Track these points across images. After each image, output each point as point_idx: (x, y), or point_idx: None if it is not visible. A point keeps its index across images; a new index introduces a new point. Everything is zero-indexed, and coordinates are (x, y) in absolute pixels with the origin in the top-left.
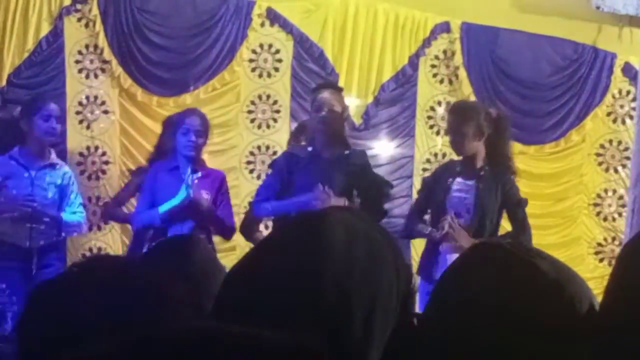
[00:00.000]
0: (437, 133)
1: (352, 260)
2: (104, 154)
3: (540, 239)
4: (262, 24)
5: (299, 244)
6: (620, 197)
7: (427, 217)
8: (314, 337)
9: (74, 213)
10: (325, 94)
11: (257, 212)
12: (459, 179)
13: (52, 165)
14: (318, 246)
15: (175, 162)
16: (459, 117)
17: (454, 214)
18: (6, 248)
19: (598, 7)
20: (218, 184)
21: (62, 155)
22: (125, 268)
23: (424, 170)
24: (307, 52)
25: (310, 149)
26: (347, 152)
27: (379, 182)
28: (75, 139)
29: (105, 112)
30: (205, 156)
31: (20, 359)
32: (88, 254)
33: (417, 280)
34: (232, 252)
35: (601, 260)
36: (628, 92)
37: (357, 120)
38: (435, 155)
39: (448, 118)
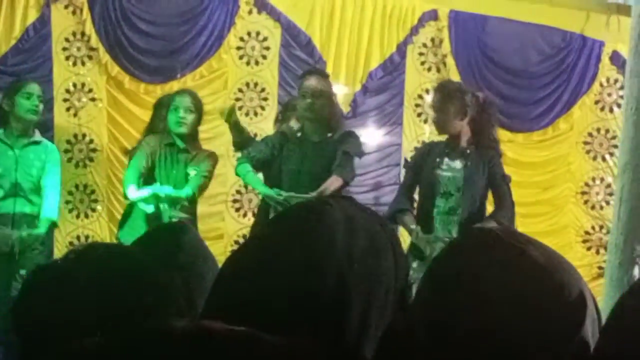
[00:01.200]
0: (425, 121)
1: (352, 251)
2: (91, 141)
3: (528, 227)
4: (250, 12)
5: (300, 235)
6: (608, 186)
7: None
8: (309, 336)
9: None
10: (312, 81)
11: (238, 170)
12: (446, 159)
13: (36, 142)
14: (320, 238)
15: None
16: (443, 95)
17: (444, 193)
18: None
19: None
20: None
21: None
22: (121, 256)
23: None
24: (294, 40)
25: (299, 134)
26: (329, 134)
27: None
28: (63, 126)
29: (93, 99)
30: None
31: (18, 342)
32: (75, 241)
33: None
34: (219, 239)
35: (589, 248)
36: (616, 81)
37: (345, 109)
38: (423, 143)
39: (433, 97)
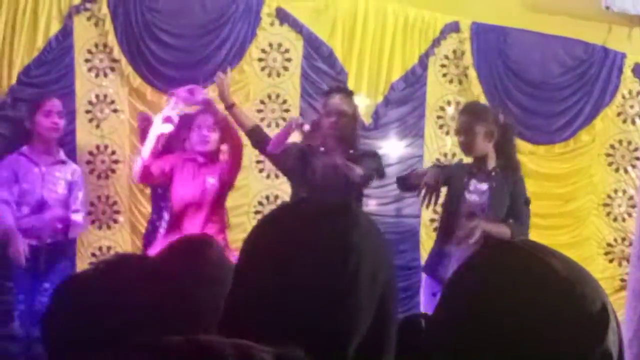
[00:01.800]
0: (447, 133)
1: (374, 246)
2: (113, 152)
3: (550, 240)
4: (272, 24)
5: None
6: (630, 198)
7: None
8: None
9: (76, 212)
10: (336, 99)
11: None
12: (473, 181)
13: (62, 162)
14: (354, 233)
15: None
16: (471, 117)
17: (469, 214)
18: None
19: (608, 8)
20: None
21: (72, 154)
22: (149, 268)
23: None
24: (316, 52)
25: (322, 149)
26: (351, 151)
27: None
28: (85, 137)
29: (115, 110)
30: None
31: (46, 352)
32: (98, 253)
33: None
34: None
35: (611, 260)
36: (638, 93)
37: (367, 120)
38: (445, 155)
39: (459, 118)
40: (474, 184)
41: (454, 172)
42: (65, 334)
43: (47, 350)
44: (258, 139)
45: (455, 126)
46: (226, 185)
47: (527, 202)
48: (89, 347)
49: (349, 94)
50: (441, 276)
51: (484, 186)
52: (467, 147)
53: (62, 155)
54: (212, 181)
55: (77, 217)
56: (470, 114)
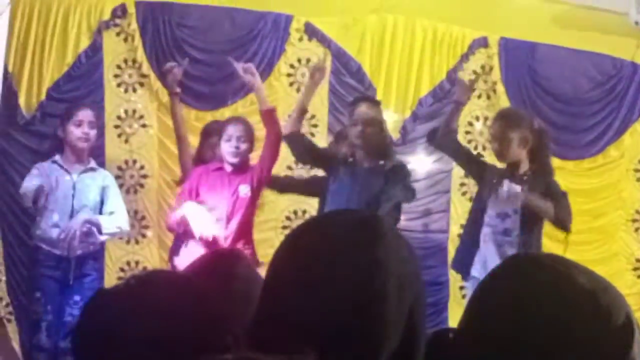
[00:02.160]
0: (475, 148)
1: (402, 262)
2: (142, 167)
3: (579, 255)
4: (300, 39)
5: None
6: None
7: None
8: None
9: (111, 213)
10: (363, 108)
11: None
12: (506, 181)
13: (93, 169)
14: (381, 249)
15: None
16: (505, 124)
17: (501, 213)
18: (45, 255)
19: (637, 23)
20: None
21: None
22: (179, 283)
23: (462, 185)
24: (345, 67)
25: (350, 159)
26: (381, 162)
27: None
28: (114, 152)
29: (144, 125)
30: None
31: None
32: (126, 267)
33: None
34: None
35: (639, 276)
36: None
37: (395, 135)
38: None
39: (493, 125)
40: (507, 183)
41: (487, 168)
42: (96, 349)
43: None
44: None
45: (489, 132)
46: (261, 184)
47: (565, 195)
48: None
49: (376, 104)
50: (470, 273)
51: (517, 187)
52: (501, 153)
53: (92, 163)
54: (245, 190)
55: (112, 220)
56: (504, 120)
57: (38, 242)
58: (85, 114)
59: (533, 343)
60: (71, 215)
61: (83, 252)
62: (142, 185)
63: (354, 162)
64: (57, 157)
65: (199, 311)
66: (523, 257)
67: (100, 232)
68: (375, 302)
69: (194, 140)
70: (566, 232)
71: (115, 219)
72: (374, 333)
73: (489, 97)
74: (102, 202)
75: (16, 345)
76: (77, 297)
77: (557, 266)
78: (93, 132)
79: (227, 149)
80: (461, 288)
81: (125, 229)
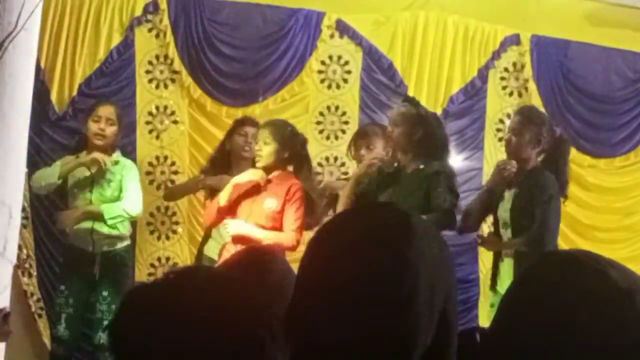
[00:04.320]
0: None
1: (433, 260)
2: (173, 164)
3: (609, 253)
4: (332, 36)
5: (388, 244)
6: None
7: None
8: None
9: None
10: (396, 109)
11: None
12: (508, 190)
13: (116, 162)
14: (411, 247)
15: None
16: (523, 119)
17: (504, 223)
18: (74, 253)
19: None
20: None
21: None
22: (217, 278)
23: None
24: (376, 64)
25: (396, 164)
26: (421, 165)
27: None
28: (145, 148)
29: (175, 122)
30: None
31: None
32: (156, 263)
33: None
34: (295, 264)
35: None
36: None
37: None
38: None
39: (513, 117)
40: (508, 192)
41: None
42: (134, 343)
43: (115, 358)
44: None
45: (508, 125)
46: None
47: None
48: (157, 357)
49: (414, 104)
50: (496, 287)
51: (514, 191)
52: (511, 147)
53: (115, 156)
54: (270, 205)
55: (117, 206)
56: (523, 116)
57: (67, 236)
58: (105, 110)
59: (564, 343)
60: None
61: (109, 249)
62: (172, 182)
63: (398, 167)
64: (82, 154)
65: (237, 304)
66: (556, 255)
67: (104, 222)
68: (406, 302)
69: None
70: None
71: (121, 203)
72: (405, 333)
73: (520, 95)
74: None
75: (47, 340)
76: (105, 293)
77: (591, 263)
78: (111, 129)
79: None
80: (491, 288)
81: (133, 212)
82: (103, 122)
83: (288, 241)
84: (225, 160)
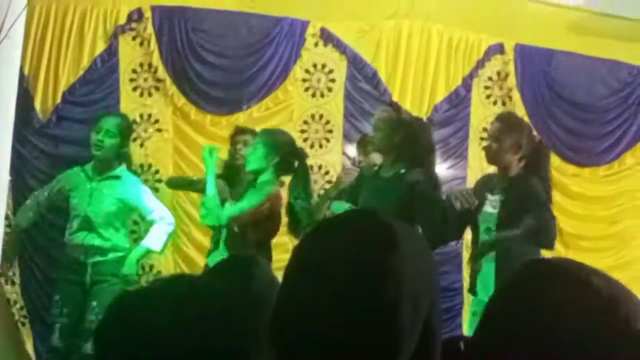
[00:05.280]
0: None
1: (416, 267)
2: (157, 172)
3: (594, 262)
4: (316, 44)
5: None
6: None
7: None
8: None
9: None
10: (378, 114)
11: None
12: (490, 195)
13: (115, 177)
14: (393, 255)
15: None
16: (502, 126)
17: (486, 229)
18: (67, 260)
19: None
20: None
21: None
22: (205, 288)
23: None
24: (360, 73)
25: (375, 168)
26: (402, 170)
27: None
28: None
29: (159, 130)
30: None
31: None
32: (140, 271)
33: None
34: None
35: None
36: None
37: None
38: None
39: (492, 124)
40: (490, 198)
41: (480, 186)
42: (119, 350)
43: None
44: None
45: (487, 132)
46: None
47: (546, 207)
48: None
49: (397, 109)
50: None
51: (498, 197)
52: (491, 154)
53: (118, 171)
54: None
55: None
56: (502, 122)
57: (64, 245)
58: (104, 122)
59: (549, 350)
60: (88, 222)
61: (101, 259)
62: (157, 190)
63: (377, 171)
64: (87, 165)
65: (221, 312)
66: (539, 262)
67: (97, 233)
68: (389, 310)
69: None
70: (550, 249)
71: (142, 246)
72: (388, 341)
73: (504, 104)
74: (120, 212)
75: (30, 349)
76: (94, 303)
77: (575, 271)
78: (110, 141)
79: None
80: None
81: (156, 248)
82: (103, 133)
83: None
84: None
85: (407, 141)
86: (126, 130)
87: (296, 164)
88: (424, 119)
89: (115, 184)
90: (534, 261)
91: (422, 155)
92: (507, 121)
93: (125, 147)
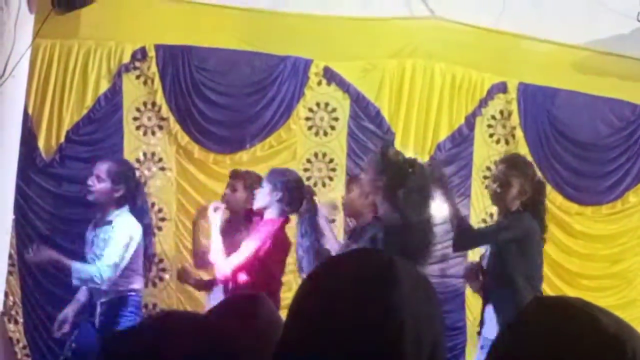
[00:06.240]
0: None
1: (419, 305)
2: (160, 210)
3: (597, 301)
4: (319, 83)
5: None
6: None
7: None
8: None
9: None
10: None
11: None
12: None
13: (109, 222)
14: (395, 294)
15: None
16: (511, 170)
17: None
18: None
19: None
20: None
21: None
22: (197, 322)
23: None
24: (363, 111)
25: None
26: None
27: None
28: None
29: (162, 169)
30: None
31: None
32: (143, 310)
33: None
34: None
35: None
36: None
37: None
38: (491, 215)
39: (498, 167)
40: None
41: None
42: None
43: None
44: None
45: (492, 173)
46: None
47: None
48: None
49: (385, 152)
50: (482, 334)
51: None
52: (498, 197)
53: (112, 215)
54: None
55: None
56: (511, 165)
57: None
58: (98, 168)
59: None
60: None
61: (110, 298)
62: (160, 228)
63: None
64: None
65: (223, 350)
66: (546, 299)
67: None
68: (391, 347)
69: (214, 184)
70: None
71: (93, 267)
72: None
73: (507, 143)
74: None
75: None
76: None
77: (582, 308)
78: (100, 186)
79: None
80: (478, 333)
81: (100, 278)
82: (93, 179)
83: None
84: None
85: (393, 185)
86: (117, 174)
87: (303, 201)
88: (427, 158)
89: (108, 229)
90: (541, 298)
91: (421, 202)
92: (514, 164)
93: (119, 192)
